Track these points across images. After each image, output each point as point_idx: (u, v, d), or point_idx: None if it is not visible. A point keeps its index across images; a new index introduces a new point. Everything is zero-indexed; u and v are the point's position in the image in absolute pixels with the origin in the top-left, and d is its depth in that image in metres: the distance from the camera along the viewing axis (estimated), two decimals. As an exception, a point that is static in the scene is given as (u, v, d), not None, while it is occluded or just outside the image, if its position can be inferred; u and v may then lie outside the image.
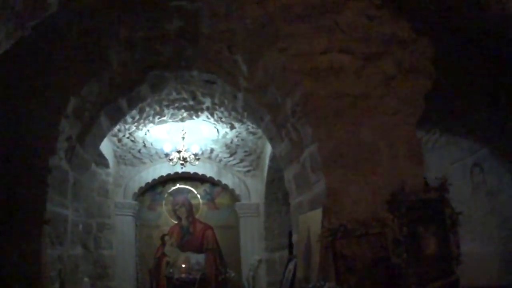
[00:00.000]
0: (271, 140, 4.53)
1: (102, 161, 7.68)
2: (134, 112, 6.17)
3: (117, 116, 4.63)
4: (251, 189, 8.80)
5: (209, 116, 6.68)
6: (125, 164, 8.63)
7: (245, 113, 5.04)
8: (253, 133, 7.52)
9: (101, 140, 4.85)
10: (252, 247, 8.56)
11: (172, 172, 8.61)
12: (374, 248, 2.89)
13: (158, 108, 6.26)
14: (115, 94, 4.20)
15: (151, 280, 8.79)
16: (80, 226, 5.71)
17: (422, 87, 3.37)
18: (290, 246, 4.54)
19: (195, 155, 7.27)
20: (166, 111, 6.43)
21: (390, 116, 3.31)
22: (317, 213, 3.18)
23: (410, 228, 2.90)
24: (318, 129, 3.28)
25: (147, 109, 6.24)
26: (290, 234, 4.71)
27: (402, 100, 3.33)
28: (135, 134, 7.44)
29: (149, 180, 8.66)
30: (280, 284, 4.51)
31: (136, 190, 8.61)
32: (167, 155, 7.26)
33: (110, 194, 8.15)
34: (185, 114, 6.65)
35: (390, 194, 3.03)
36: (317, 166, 3.33)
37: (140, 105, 5.24)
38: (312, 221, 3.31)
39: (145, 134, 7.45)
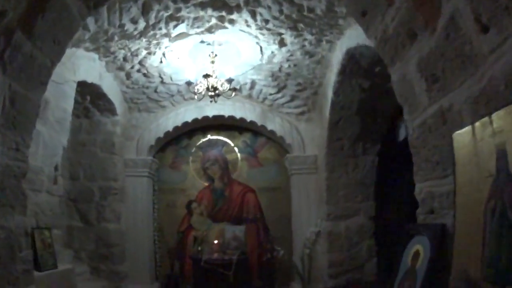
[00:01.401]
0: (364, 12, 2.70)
1: (106, 105, 6.30)
2: (136, 13, 4.46)
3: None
4: (306, 137, 7.03)
5: (249, 20, 4.84)
6: (139, 110, 7.04)
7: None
8: (311, 54, 5.72)
9: (71, 34, 3.12)
10: (308, 215, 6.86)
11: (200, 117, 7.00)
12: None
13: (171, 4, 4.45)
14: None
15: (171, 263, 7.25)
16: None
17: None
18: (413, 206, 2.81)
19: (230, 81, 5.44)
20: (184, 10, 4.62)
21: None
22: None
23: None
24: None
25: (155, 6, 4.45)
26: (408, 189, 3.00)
27: None
28: (148, 64, 5.83)
29: (170, 128, 7.00)
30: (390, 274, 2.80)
31: (153, 143, 7.01)
32: (189, 83, 5.48)
33: (118, 149, 6.71)
34: (213, 21, 4.85)
35: None
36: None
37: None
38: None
39: (161, 61, 5.80)
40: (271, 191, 7.40)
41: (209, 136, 7.55)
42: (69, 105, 4.78)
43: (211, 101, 5.58)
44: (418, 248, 2.47)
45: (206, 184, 7.44)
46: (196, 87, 5.57)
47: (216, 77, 5.49)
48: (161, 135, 6.99)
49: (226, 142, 7.56)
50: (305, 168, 6.93)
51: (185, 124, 7.03)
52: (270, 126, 6.99)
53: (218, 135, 7.56)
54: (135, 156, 6.92)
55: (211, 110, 6.92)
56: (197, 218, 7.36)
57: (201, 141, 7.56)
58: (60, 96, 4.51)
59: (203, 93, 5.56)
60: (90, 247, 6.35)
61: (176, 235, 7.29)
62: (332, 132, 6.26)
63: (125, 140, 6.92)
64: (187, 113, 7.00)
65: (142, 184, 6.91)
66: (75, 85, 4.89)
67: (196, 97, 5.65)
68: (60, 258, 4.78)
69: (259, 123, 6.99)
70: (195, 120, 7.01)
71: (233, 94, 5.71)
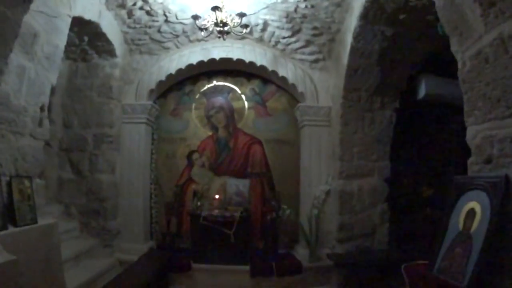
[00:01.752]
0: None
1: (105, 46, 5.87)
2: None
3: None
4: (320, 87, 6.56)
5: None
6: (140, 52, 6.56)
7: None
8: None
9: None
10: (318, 172, 6.45)
11: (206, 59, 6.48)
12: None
13: None
14: None
15: (168, 220, 6.91)
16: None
17: None
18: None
19: (241, 15, 4.96)
20: None
21: None
22: None
23: None
24: None
25: None
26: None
27: None
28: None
29: (172, 71, 6.49)
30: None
31: (154, 86, 6.52)
32: (196, 17, 5.00)
33: (116, 93, 6.30)
34: None
35: None
36: None
37: None
38: None
39: None
40: (279, 143, 6.97)
41: (214, 82, 7.07)
42: (62, 41, 4.34)
43: (219, 37, 5.13)
44: (473, 206, 2.08)
45: (210, 133, 7.01)
46: (203, 22, 5.09)
47: (226, 12, 4.99)
48: (163, 78, 6.50)
49: (232, 89, 7.08)
50: (317, 120, 6.49)
51: (190, 67, 6.52)
52: (281, 72, 6.49)
53: (225, 81, 7.07)
54: (134, 101, 6.47)
55: (219, 52, 6.43)
56: (198, 171, 6.97)
57: (205, 87, 7.08)
58: (51, 30, 4.10)
59: (210, 28, 5.09)
60: (81, 201, 6.04)
61: (175, 189, 6.93)
62: (349, 82, 5.87)
63: (124, 84, 6.48)
64: (192, 55, 6.48)
65: (140, 131, 6.48)
66: (69, 20, 4.47)
67: (202, 33, 5.19)
68: (47, 213, 4.60)
69: (269, 68, 6.47)
70: (201, 63, 6.50)
71: (244, 31, 5.26)
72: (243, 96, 7.06)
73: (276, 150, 6.96)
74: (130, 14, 5.67)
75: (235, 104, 7.06)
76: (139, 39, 6.26)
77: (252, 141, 7.00)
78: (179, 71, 6.54)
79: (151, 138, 6.86)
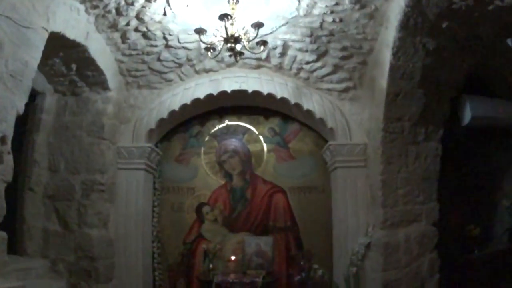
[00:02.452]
0: None
1: (96, 76, 5.30)
2: None
3: None
4: (352, 121, 5.81)
5: None
6: (138, 86, 5.93)
7: None
8: (362, 4, 4.60)
9: None
10: (355, 222, 5.57)
11: (215, 92, 5.78)
12: None
13: None
14: None
15: (172, 284, 6.04)
16: None
17: None
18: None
19: (258, 26, 4.20)
20: None
21: None
22: None
23: None
24: None
25: None
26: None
27: None
28: (148, 17, 4.78)
29: (176, 106, 5.79)
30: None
31: (154, 125, 5.81)
32: (200, 31, 4.26)
33: (109, 132, 5.62)
34: None
35: None
36: None
37: None
38: None
39: (164, 13, 4.72)
40: (305, 191, 6.21)
41: (226, 122, 6.41)
42: (34, 58, 3.75)
43: (230, 55, 4.36)
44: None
45: (222, 182, 6.30)
46: (210, 39, 4.35)
47: (237, 24, 4.25)
48: (165, 115, 5.77)
49: (248, 129, 6.41)
50: (352, 160, 5.67)
51: (197, 102, 5.80)
52: (306, 105, 5.74)
53: (239, 120, 6.42)
54: (130, 143, 5.76)
55: (230, 83, 5.74)
56: (209, 226, 6.19)
57: (216, 128, 6.42)
58: (20, 42, 3.52)
59: (219, 46, 4.34)
60: (70, 258, 5.22)
61: (182, 248, 6.09)
62: (390, 110, 5.10)
63: (119, 123, 5.83)
64: (199, 88, 5.79)
65: (138, 179, 5.72)
66: (45, 35, 3.88)
67: (209, 54, 4.48)
68: (31, 269, 4.18)
69: (292, 101, 5.73)
70: (210, 98, 5.77)
71: (262, 48, 4.48)
72: (261, 138, 6.40)
73: (302, 200, 6.17)
74: (124, 37, 5.05)
75: (252, 147, 6.39)
76: (137, 70, 5.63)
77: (274, 190, 6.27)
78: (184, 107, 5.82)
79: (153, 187, 6.12)
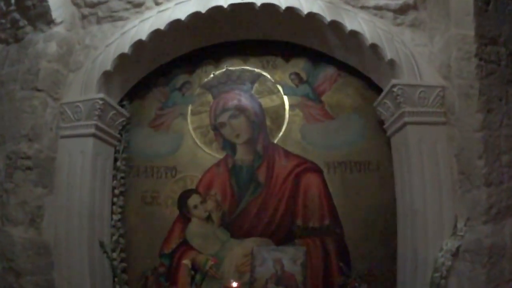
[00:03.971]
0: None
1: (37, 7, 4.28)
2: None
3: None
4: (418, 55, 4.06)
5: None
6: (98, 20, 4.51)
7: None
8: None
9: None
10: (437, 215, 3.72)
11: (203, 10, 4.07)
12: None
13: None
14: None
15: None
16: None
17: None
18: None
19: None
20: None
21: None
22: None
23: None
24: None
25: None
26: None
27: None
28: None
29: (144, 35, 4.08)
30: None
31: (110, 67, 4.11)
32: None
33: (47, 82, 4.18)
34: None
35: None
36: None
37: None
38: None
39: None
40: (352, 168, 4.34)
41: (226, 67, 4.69)
42: None
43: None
44: None
45: (220, 157, 4.56)
46: None
47: None
48: (126, 49, 4.04)
49: (259, 76, 4.66)
50: (427, 112, 3.83)
51: (175, 26, 4.07)
52: (350, 25, 3.96)
53: (245, 64, 4.65)
54: (79, 96, 4.14)
55: (227, -6, 4.05)
56: (199, 228, 4.41)
57: (211, 76, 4.70)
58: None
59: None
60: None
61: (157, 262, 4.37)
62: (481, 26, 3.71)
63: (65, 70, 4.37)
64: (180, 8, 4.07)
65: (85, 152, 4.03)
66: None
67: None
68: None
69: (327, 18, 3.95)
70: (195, 19, 4.04)
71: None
72: (279, 87, 4.59)
73: (347, 182, 4.30)
74: None
75: (266, 102, 4.62)
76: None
77: (302, 168, 4.41)
78: (157, 36, 4.11)
79: (113, 166, 4.39)
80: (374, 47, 3.96)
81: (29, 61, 4.28)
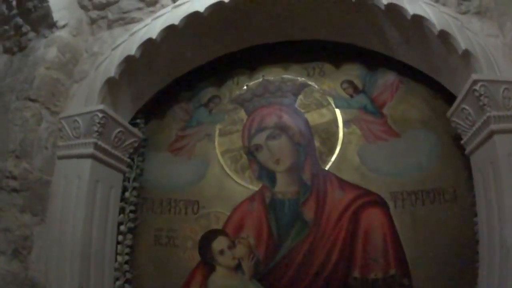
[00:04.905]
0: None
1: (39, 10, 4.21)
2: None
3: None
4: (492, 46, 3.43)
5: None
6: (108, 24, 4.27)
7: None
8: None
9: None
10: None
11: None
12: None
13: None
14: None
15: None
16: None
17: None
18: None
19: None
20: None
21: None
22: None
23: None
24: None
25: None
26: None
27: None
28: None
29: (154, 34, 3.61)
30: None
31: (114, 73, 3.63)
32: None
33: (43, 91, 3.89)
34: None
35: None
36: None
37: None
38: None
39: None
40: (424, 199, 3.55)
41: (263, 76, 4.13)
42: None
43: None
44: None
45: (255, 188, 3.92)
46: None
47: None
48: (132, 51, 3.52)
49: (304, 86, 4.05)
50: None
51: (193, 19, 3.54)
52: (412, 9, 3.34)
53: (285, 72, 4.05)
54: (84, 107, 3.70)
55: None
56: (225, 279, 3.80)
57: (244, 88, 4.15)
58: None
59: None
60: None
61: None
62: None
63: (68, 80, 4.03)
64: (199, 1, 3.54)
65: (82, 176, 3.50)
66: None
67: None
68: None
69: (383, 1, 3.32)
70: (219, 11, 3.50)
71: None
72: (330, 100, 3.94)
73: (419, 217, 3.49)
74: None
75: (314, 118, 3.99)
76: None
77: (363, 201, 3.67)
78: (171, 33, 3.58)
79: (119, 196, 3.84)
80: (443, 35, 3.23)
81: (27, 69, 4.08)
